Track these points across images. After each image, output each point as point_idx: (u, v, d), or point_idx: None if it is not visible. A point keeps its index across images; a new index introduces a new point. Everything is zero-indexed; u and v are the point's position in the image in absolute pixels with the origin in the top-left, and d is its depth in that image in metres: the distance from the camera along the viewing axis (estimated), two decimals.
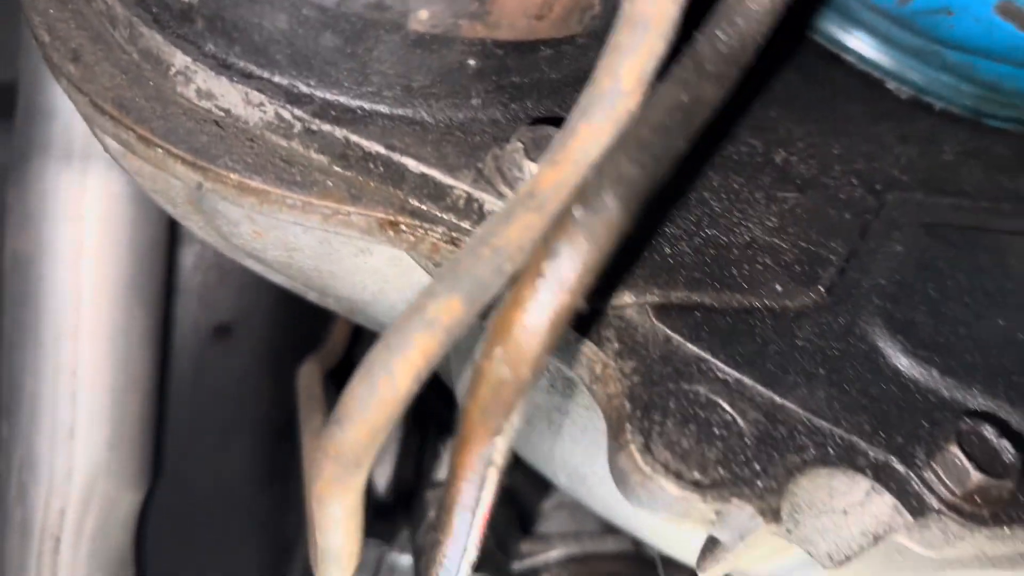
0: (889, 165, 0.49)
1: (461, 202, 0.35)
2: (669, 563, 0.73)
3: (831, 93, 0.53)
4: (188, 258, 0.83)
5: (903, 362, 0.39)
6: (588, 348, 0.35)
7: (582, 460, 0.49)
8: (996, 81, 0.54)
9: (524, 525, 0.67)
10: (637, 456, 0.32)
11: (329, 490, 0.30)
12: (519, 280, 0.26)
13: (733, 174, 0.44)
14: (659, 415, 0.33)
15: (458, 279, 0.28)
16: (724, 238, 0.40)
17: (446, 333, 0.28)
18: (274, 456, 0.96)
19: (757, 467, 0.33)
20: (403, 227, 0.36)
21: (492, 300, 0.29)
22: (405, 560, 0.75)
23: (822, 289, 0.40)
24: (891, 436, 0.36)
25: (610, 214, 0.25)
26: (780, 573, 0.50)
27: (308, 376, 0.68)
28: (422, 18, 0.33)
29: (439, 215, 0.36)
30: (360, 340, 0.87)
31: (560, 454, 0.50)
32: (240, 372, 0.90)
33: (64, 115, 0.68)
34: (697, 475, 0.32)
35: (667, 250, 0.38)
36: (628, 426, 0.32)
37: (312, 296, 0.53)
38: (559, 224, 0.25)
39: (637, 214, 0.25)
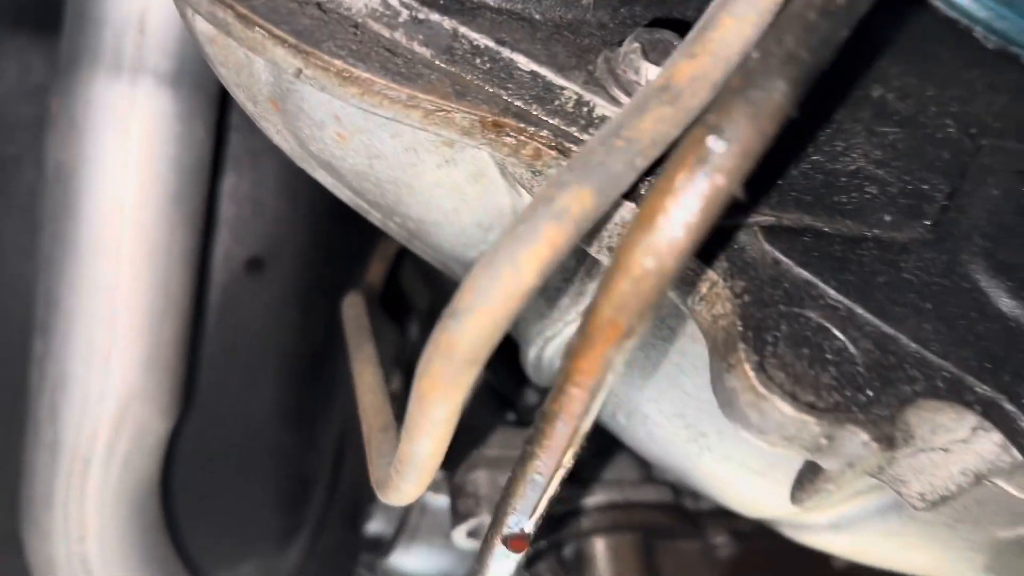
0: (981, 111, 0.47)
1: (570, 104, 0.34)
2: (707, 515, 0.72)
3: (920, 37, 0.51)
4: (223, 188, 0.81)
5: (1006, 303, 0.37)
6: (694, 265, 0.34)
7: (650, 397, 0.47)
8: None
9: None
10: (751, 375, 0.30)
11: (436, 389, 0.29)
12: (670, 162, 0.24)
13: (833, 105, 0.42)
14: (772, 337, 0.32)
15: (590, 170, 0.27)
16: (830, 165, 0.38)
17: (575, 225, 0.27)
18: (299, 396, 0.95)
19: (870, 394, 0.32)
20: (506, 128, 0.34)
21: (621, 195, 0.28)
22: (440, 501, 0.74)
23: (928, 223, 0.38)
24: (998, 374, 0.34)
25: (778, 96, 0.23)
26: (844, 523, 0.50)
27: (353, 306, 0.66)
28: None
29: (545, 118, 0.34)
30: (395, 281, 0.85)
31: (626, 391, 0.49)
32: (270, 308, 0.89)
33: (116, 24, 0.65)
34: (812, 398, 0.31)
35: (774, 172, 0.36)
36: (741, 345, 0.31)
37: (375, 217, 0.52)
38: (720, 104, 0.24)
39: (801, 100, 0.24)
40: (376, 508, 0.84)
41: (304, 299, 0.91)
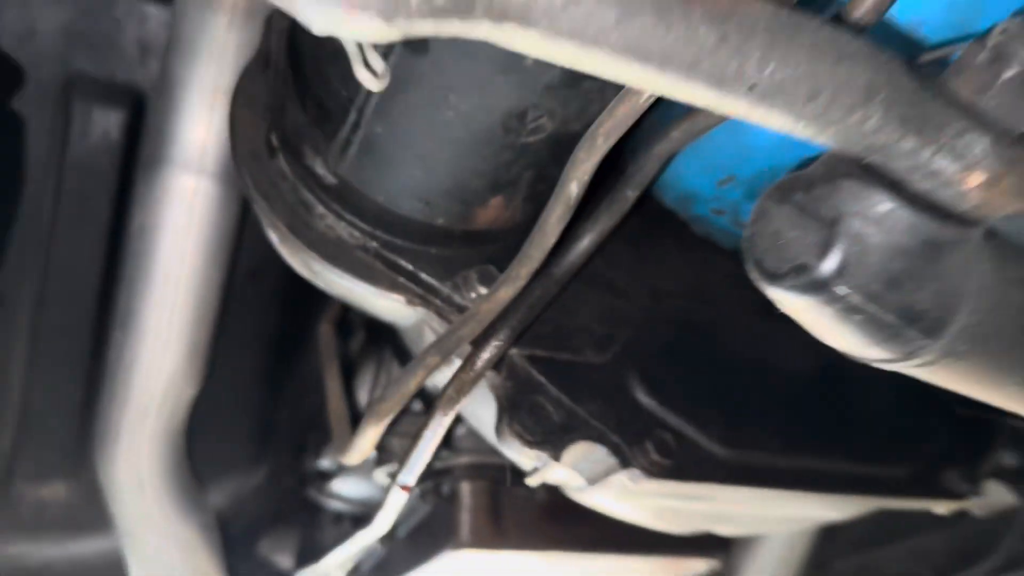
0: (672, 281, 0.89)
1: (444, 296, 0.75)
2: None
3: (652, 228, 0.92)
4: None
5: (641, 395, 0.80)
6: (491, 373, 0.76)
7: (484, 413, 0.90)
8: None
9: (446, 440, 1.08)
10: (505, 428, 0.73)
11: (372, 426, 0.71)
12: (466, 359, 0.66)
13: (581, 283, 0.83)
14: (517, 410, 0.74)
15: (440, 348, 0.69)
16: (567, 322, 0.80)
17: (430, 371, 0.69)
18: (274, 367, 1.35)
19: (556, 438, 0.74)
20: (416, 302, 0.75)
21: (449, 358, 0.70)
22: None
23: (609, 355, 0.81)
24: (623, 431, 0.77)
25: (502, 345, 0.65)
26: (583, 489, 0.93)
27: (326, 335, 1.07)
28: (439, 222, 0.72)
29: (433, 300, 0.75)
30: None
31: (475, 410, 0.92)
32: (261, 305, 1.29)
33: (185, 138, 1.03)
34: (530, 438, 0.73)
35: (535, 328, 0.78)
36: (505, 415, 0.73)
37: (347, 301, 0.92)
38: (485, 342, 0.66)
39: (513, 343, 0.66)
40: (326, 451, 1.26)
41: (285, 298, 1.31)
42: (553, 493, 1.16)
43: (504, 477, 1.13)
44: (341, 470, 1.20)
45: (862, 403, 0.92)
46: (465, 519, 1.11)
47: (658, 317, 0.86)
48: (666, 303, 0.88)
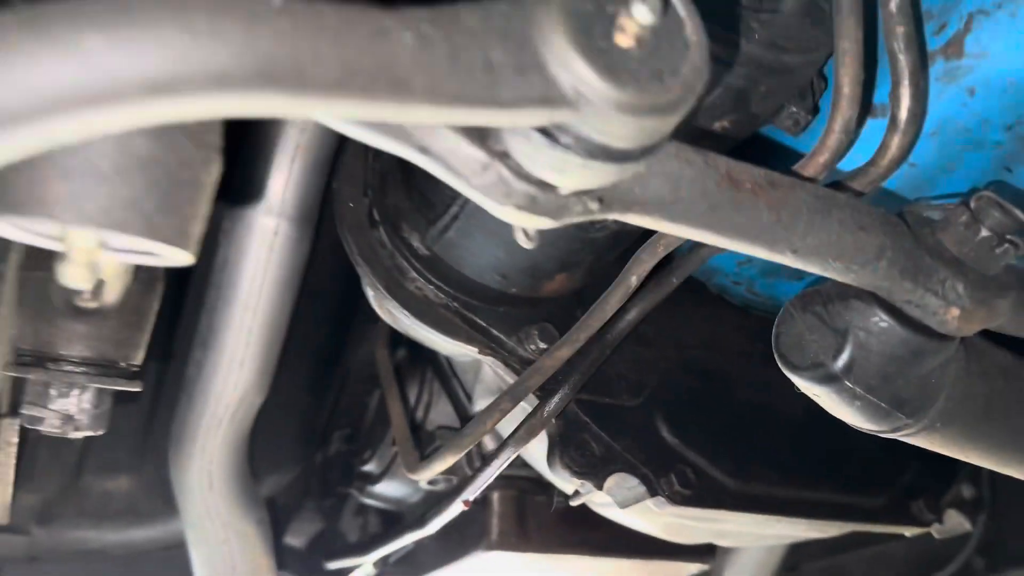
0: (689, 334, 1.05)
1: (508, 348, 0.90)
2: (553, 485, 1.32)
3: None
4: None
5: (666, 434, 0.96)
6: (552, 417, 0.91)
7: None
8: (768, 292, 1.11)
9: None
10: (557, 460, 0.88)
11: (451, 455, 0.86)
12: (535, 408, 0.82)
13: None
14: (567, 444, 0.89)
15: (513, 395, 0.84)
16: (607, 370, 0.95)
17: (504, 415, 0.84)
18: (319, 376, 1.50)
19: (598, 469, 0.90)
20: (487, 353, 0.90)
21: (518, 402, 0.85)
22: None
23: (641, 398, 0.96)
24: (650, 463, 0.93)
25: (564, 399, 0.81)
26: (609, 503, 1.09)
27: (383, 360, 1.22)
28: (512, 291, 0.87)
29: (500, 352, 0.90)
30: None
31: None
32: (317, 322, 1.43)
33: (269, 186, 1.17)
34: (577, 469, 0.89)
35: (587, 380, 0.94)
36: (556, 449, 0.89)
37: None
38: (551, 395, 0.81)
39: (576, 394, 0.82)
40: (373, 456, 1.41)
41: (335, 315, 1.45)
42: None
43: (529, 487, 1.29)
44: (387, 472, 1.36)
45: (847, 442, 1.08)
46: (495, 523, 1.27)
47: (681, 366, 1.02)
48: (687, 353, 1.04)
